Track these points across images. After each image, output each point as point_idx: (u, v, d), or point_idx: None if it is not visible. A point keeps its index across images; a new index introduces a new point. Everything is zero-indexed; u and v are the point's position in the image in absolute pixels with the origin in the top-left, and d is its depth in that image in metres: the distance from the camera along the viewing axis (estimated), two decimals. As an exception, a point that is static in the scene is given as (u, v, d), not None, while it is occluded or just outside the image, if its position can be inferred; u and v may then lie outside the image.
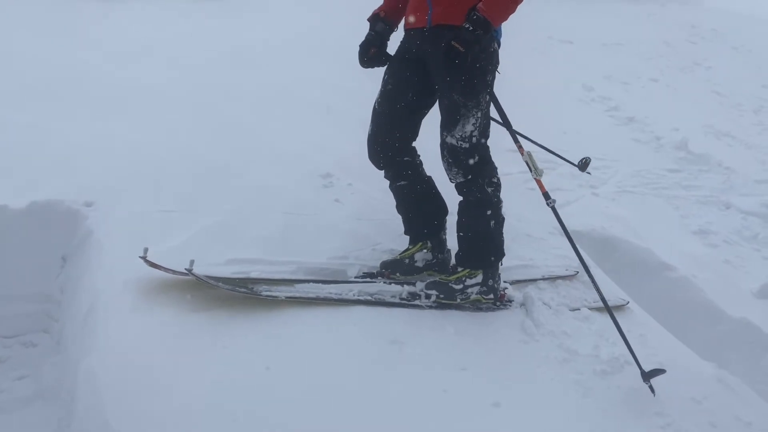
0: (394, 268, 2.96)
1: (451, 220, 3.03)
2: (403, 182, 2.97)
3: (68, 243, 3.09)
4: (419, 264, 3.01)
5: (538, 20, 7.80)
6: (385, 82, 2.86)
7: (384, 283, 2.87)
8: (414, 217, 3.05)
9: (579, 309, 3.07)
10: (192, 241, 2.89)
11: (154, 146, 3.76)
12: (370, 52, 2.87)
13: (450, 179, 2.80)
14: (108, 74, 4.79)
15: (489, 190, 2.78)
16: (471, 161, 2.71)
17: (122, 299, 2.50)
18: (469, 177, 2.74)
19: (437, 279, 2.90)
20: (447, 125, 2.71)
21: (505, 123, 2.95)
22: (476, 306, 2.88)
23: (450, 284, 2.85)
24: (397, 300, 2.79)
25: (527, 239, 3.81)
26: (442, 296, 2.83)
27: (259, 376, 2.28)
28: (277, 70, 5.42)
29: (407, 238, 3.10)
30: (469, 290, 2.84)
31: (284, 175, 3.75)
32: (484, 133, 2.74)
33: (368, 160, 2.97)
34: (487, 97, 2.72)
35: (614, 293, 3.42)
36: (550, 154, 4.07)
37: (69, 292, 2.99)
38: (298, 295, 2.65)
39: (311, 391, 2.26)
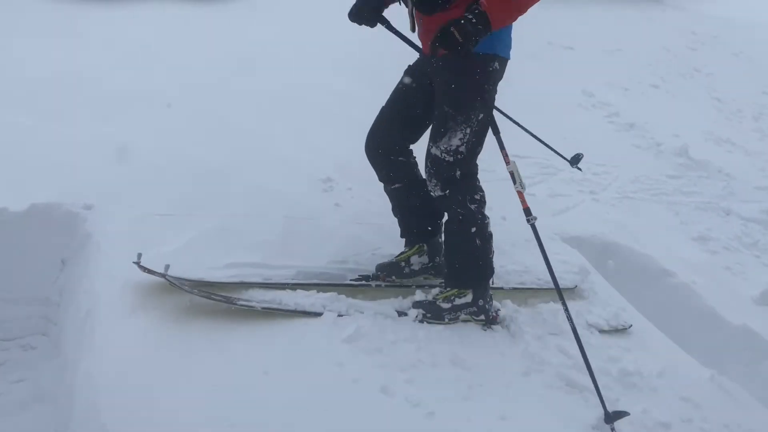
0: (389, 272, 2.95)
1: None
2: (397, 185, 2.95)
3: (67, 246, 3.08)
4: (415, 267, 2.99)
5: (538, 26, 7.80)
6: (399, 82, 2.86)
7: (377, 285, 2.85)
8: (409, 221, 3.03)
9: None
10: (191, 245, 2.88)
11: (154, 149, 3.75)
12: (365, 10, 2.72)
13: (430, 191, 2.74)
14: (108, 77, 4.79)
15: (472, 207, 2.70)
16: (452, 175, 2.64)
17: (121, 303, 2.50)
18: (447, 192, 2.67)
19: (425, 300, 2.81)
20: (434, 136, 2.67)
21: (494, 129, 2.74)
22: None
23: (438, 303, 2.78)
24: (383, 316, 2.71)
25: (526, 244, 3.80)
26: (429, 315, 2.75)
27: (258, 380, 2.27)
28: (277, 74, 5.42)
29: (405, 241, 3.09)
30: (459, 311, 2.78)
31: (284, 179, 3.74)
32: (473, 150, 2.66)
33: (368, 162, 2.97)
34: (481, 115, 2.61)
35: (619, 315, 3.29)
36: (548, 156, 4.05)
37: (68, 295, 2.98)
38: (275, 306, 2.58)
39: (310, 397, 2.25)
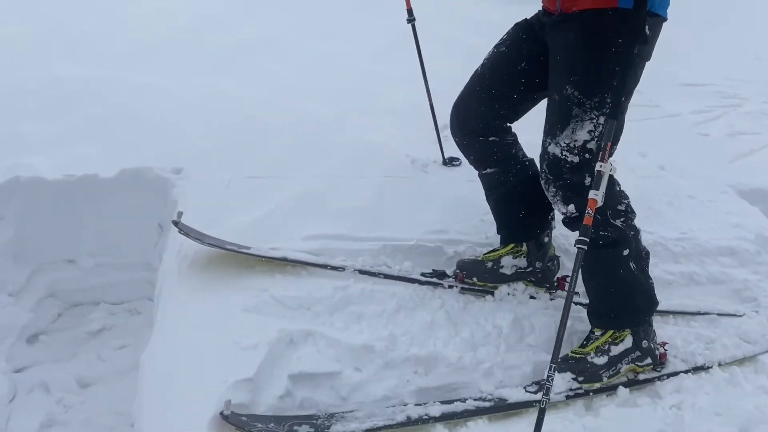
0: (471, 271, 2.35)
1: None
2: (490, 170, 2.33)
3: (162, 211, 2.98)
4: (506, 271, 2.36)
5: None
6: (499, 44, 2.20)
7: (450, 286, 2.32)
8: (506, 213, 2.40)
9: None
10: (273, 214, 2.60)
11: (258, 104, 3.56)
12: None
13: (552, 206, 2.12)
14: (230, 27, 4.65)
15: (618, 222, 2.04)
16: (578, 183, 1.96)
17: (186, 282, 2.28)
18: (573, 207, 2.00)
19: (568, 355, 2.12)
20: (552, 128, 1.99)
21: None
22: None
23: (588, 358, 2.09)
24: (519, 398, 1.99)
25: (689, 202, 3.07)
26: (581, 379, 2.06)
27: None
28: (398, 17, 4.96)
29: None
30: (619, 362, 2.10)
31: (395, 128, 3.37)
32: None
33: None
34: (621, 98, 1.83)
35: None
36: (732, 84, 3.19)
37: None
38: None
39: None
